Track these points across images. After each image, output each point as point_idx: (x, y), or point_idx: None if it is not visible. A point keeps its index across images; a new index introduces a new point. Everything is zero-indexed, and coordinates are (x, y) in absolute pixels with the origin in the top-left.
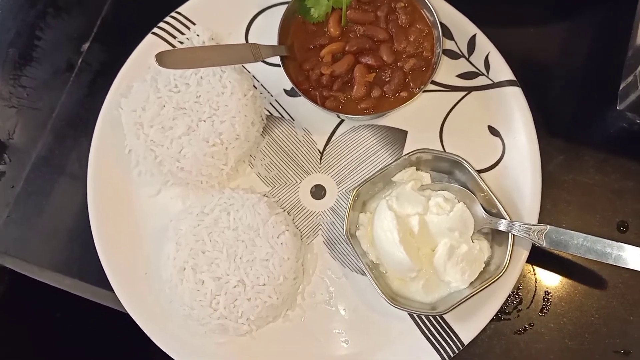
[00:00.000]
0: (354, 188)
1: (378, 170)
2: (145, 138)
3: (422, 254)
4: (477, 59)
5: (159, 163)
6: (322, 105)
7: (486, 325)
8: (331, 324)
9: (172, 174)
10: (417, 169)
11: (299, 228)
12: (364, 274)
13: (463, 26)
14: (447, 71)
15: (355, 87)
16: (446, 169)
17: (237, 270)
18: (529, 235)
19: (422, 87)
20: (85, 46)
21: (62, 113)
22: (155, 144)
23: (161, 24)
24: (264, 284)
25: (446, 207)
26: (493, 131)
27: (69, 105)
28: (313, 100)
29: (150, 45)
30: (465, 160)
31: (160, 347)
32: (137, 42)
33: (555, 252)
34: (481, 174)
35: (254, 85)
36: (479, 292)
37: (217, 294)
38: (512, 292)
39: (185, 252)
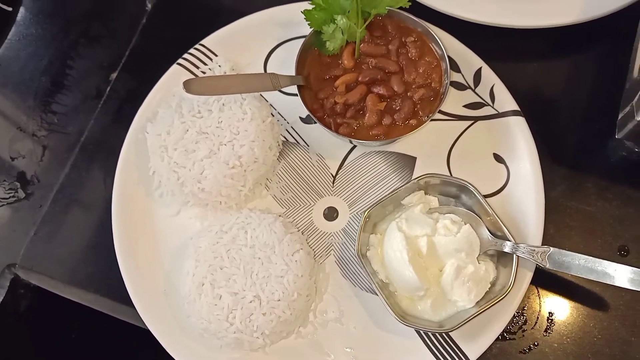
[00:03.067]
0: (365, 210)
1: (388, 194)
2: (169, 160)
3: (430, 273)
4: (483, 90)
5: (181, 184)
6: (336, 131)
7: (492, 345)
8: (341, 341)
9: (193, 195)
10: (426, 193)
11: (312, 248)
12: (374, 292)
13: (469, 59)
14: (455, 101)
15: (367, 114)
16: (453, 193)
17: (253, 286)
18: (533, 256)
19: (430, 115)
20: (114, 75)
21: (90, 137)
22: (178, 165)
23: (186, 55)
24: (279, 300)
25: (453, 229)
26: (498, 158)
27: (96, 130)
28: (327, 126)
29: (175, 74)
30: (471, 185)
31: (175, 358)
32: (162, 72)
33: (558, 273)
34: (487, 199)
35: (271, 113)
36: (484, 310)
37: (234, 309)
38: (517, 312)
39: (204, 268)
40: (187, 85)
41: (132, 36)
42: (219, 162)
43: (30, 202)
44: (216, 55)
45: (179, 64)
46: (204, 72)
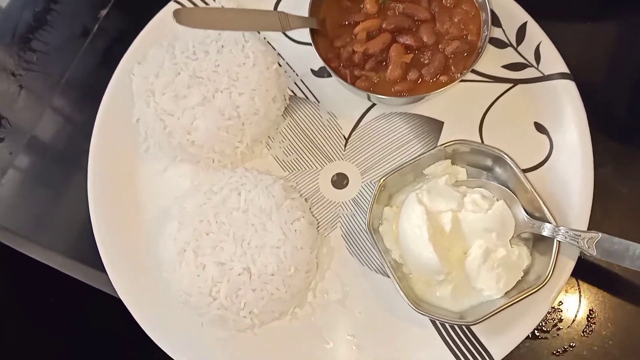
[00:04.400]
0: (381, 177)
1: (409, 161)
2: (156, 106)
3: (453, 255)
4: (527, 49)
5: (169, 134)
6: (353, 84)
7: (520, 343)
8: (343, 327)
9: (182, 148)
10: (453, 163)
11: (316, 218)
12: (384, 274)
13: (513, 12)
14: (492, 61)
15: (390, 67)
16: (485, 164)
17: (244, 256)
18: (578, 242)
19: (464, 72)
20: (104, 12)
21: (72, 79)
22: (166, 113)
23: None
24: (272, 274)
25: (484, 205)
26: (540, 128)
27: (80, 71)
28: (343, 78)
29: (171, 12)
30: (508, 155)
31: (151, 337)
32: (158, 10)
33: (603, 265)
34: (525, 173)
35: (278, 62)
36: (515, 303)
37: (219, 281)
38: (552, 308)
39: (188, 232)
40: (178, 15)
41: None
42: (213, 111)
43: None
44: None
45: (177, 1)
46: None
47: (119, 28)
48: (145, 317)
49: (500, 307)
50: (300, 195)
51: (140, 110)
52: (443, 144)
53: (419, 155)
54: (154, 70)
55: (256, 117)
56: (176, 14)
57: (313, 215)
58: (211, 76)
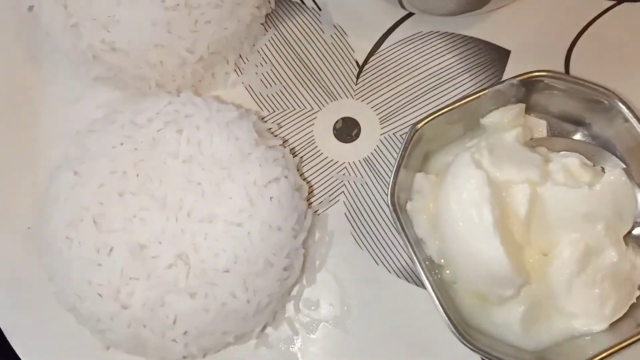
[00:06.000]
0: (415, 123)
1: (458, 100)
2: None
3: (529, 257)
4: None
5: (74, 30)
6: None
7: None
8: None
9: (96, 58)
10: (528, 111)
11: (307, 182)
12: (412, 279)
13: None
14: None
15: None
16: (579, 115)
17: (180, 235)
18: None
19: None
20: None
21: None
22: None
23: None
24: (226, 270)
25: (584, 176)
26: None
27: None
28: None
29: None
30: (620, 98)
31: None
32: None
33: None
34: None
35: None
36: (631, 344)
37: (134, 277)
38: None
39: (88, 189)
40: None
41: None
42: None
43: None
44: None
45: None
46: None
47: None
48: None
49: (607, 350)
50: (284, 143)
51: None
52: (517, 77)
53: (475, 93)
54: None
55: (218, 11)
56: None
57: (302, 177)
58: None
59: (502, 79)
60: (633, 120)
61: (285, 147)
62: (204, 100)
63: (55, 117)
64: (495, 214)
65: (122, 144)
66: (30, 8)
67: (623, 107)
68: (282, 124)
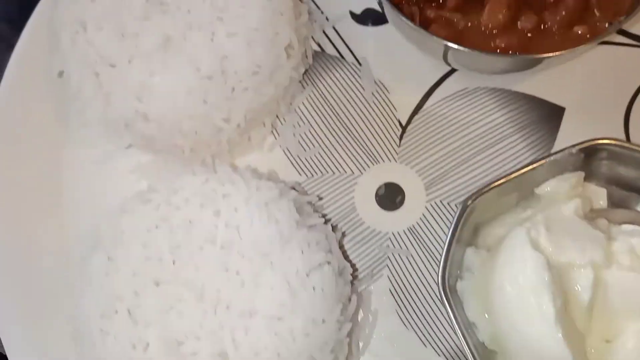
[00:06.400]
0: (466, 199)
1: (511, 173)
2: (87, 48)
3: (590, 345)
4: None
5: (106, 98)
6: (426, 29)
7: None
8: None
9: (128, 127)
10: (586, 178)
11: (350, 258)
12: None
13: None
14: None
15: (488, 6)
16: None
17: (219, 330)
18: None
19: (617, 21)
20: None
21: None
22: (103, 60)
23: None
24: None
25: None
26: None
27: None
28: (410, 17)
29: None
30: None
31: None
32: None
33: None
34: None
35: None
36: None
37: None
38: None
39: (122, 277)
40: None
41: None
42: (181, 62)
43: None
44: None
45: None
46: None
47: None
48: None
49: None
50: (324, 218)
51: (66, 53)
52: (575, 145)
53: (531, 163)
54: None
55: (256, 78)
56: None
57: (343, 251)
58: (182, 1)
59: (559, 147)
60: None
61: (326, 223)
62: (242, 177)
63: (81, 180)
64: (557, 304)
65: (157, 227)
66: (61, 74)
67: None
68: (322, 190)
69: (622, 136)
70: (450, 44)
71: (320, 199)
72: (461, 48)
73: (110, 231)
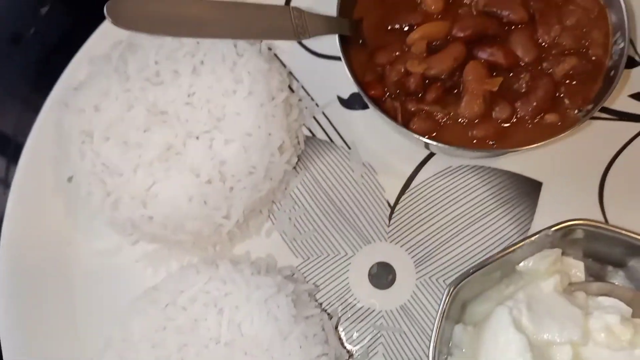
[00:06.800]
0: (451, 283)
1: (493, 256)
2: (94, 158)
3: None
4: None
5: (114, 204)
6: (405, 124)
7: None
8: None
9: (134, 226)
10: (564, 253)
11: (345, 337)
12: None
13: None
14: (616, 87)
15: (465, 98)
16: (615, 256)
17: None
18: None
19: (586, 109)
20: (45, 9)
21: None
22: (109, 170)
23: None
24: None
25: (625, 334)
26: None
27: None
28: (389, 114)
29: None
30: None
31: None
32: None
33: None
34: None
35: (289, 86)
36: None
37: None
38: None
39: None
40: (114, 10)
41: None
42: (182, 169)
43: None
44: None
45: None
46: None
47: (63, 30)
48: None
49: None
50: (321, 306)
51: (74, 162)
52: (550, 227)
53: (510, 246)
54: (94, 99)
55: (252, 177)
56: (111, 9)
57: (340, 342)
58: (182, 112)
59: (538, 220)
60: None
61: (322, 310)
62: (242, 275)
63: (91, 270)
64: None
65: (164, 328)
66: (70, 179)
67: None
68: (318, 272)
69: (597, 207)
70: (430, 142)
71: (317, 286)
72: (440, 145)
73: (120, 332)
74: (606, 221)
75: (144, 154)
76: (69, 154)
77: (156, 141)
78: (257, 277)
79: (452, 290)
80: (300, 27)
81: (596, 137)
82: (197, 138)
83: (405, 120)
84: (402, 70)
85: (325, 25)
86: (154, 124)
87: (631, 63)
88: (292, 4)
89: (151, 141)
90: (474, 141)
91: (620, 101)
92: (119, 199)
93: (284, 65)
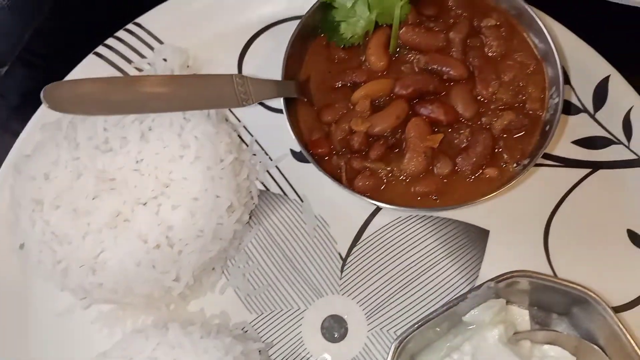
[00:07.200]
0: (397, 338)
1: (440, 309)
2: (44, 227)
3: None
4: (610, 116)
5: (63, 272)
6: (349, 185)
7: None
8: None
9: (86, 292)
10: (508, 302)
11: None
12: None
13: (589, 64)
14: (559, 134)
15: (407, 155)
16: (559, 305)
17: None
18: None
19: (524, 162)
20: (3, 70)
21: None
22: (59, 239)
23: (110, 41)
24: None
25: None
26: (636, 239)
27: None
28: (334, 174)
29: (90, 70)
30: (595, 295)
31: None
32: (74, 65)
33: None
34: (618, 314)
35: (241, 139)
36: None
37: None
38: None
39: None
40: (50, 95)
41: (36, 12)
42: (130, 236)
43: None
44: (161, 43)
45: (98, 54)
46: (140, 70)
47: (23, 91)
48: None
49: None
50: None
51: (25, 231)
52: (493, 279)
53: (456, 298)
54: (44, 167)
55: (200, 240)
56: (48, 95)
57: None
58: (129, 179)
59: (486, 267)
60: (605, 313)
61: None
62: (191, 339)
63: (46, 332)
64: None
65: None
66: (21, 246)
67: (597, 302)
68: (271, 327)
69: (543, 253)
70: (373, 202)
71: (270, 343)
72: (384, 205)
73: None
74: (551, 267)
75: (92, 221)
76: (20, 221)
77: (105, 208)
78: (206, 341)
79: (398, 346)
80: (244, 93)
81: (541, 184)
82: (145, 204)
83: (350, 178)
84: (347, 128)
85: (270, 89)
86: (102, 191)
87: (574, 109)
88: (245, 71)
89: (100, 208)
90: (418, 197)
91: (563, 147)
92: (68, 266)
93: (239, 120)
